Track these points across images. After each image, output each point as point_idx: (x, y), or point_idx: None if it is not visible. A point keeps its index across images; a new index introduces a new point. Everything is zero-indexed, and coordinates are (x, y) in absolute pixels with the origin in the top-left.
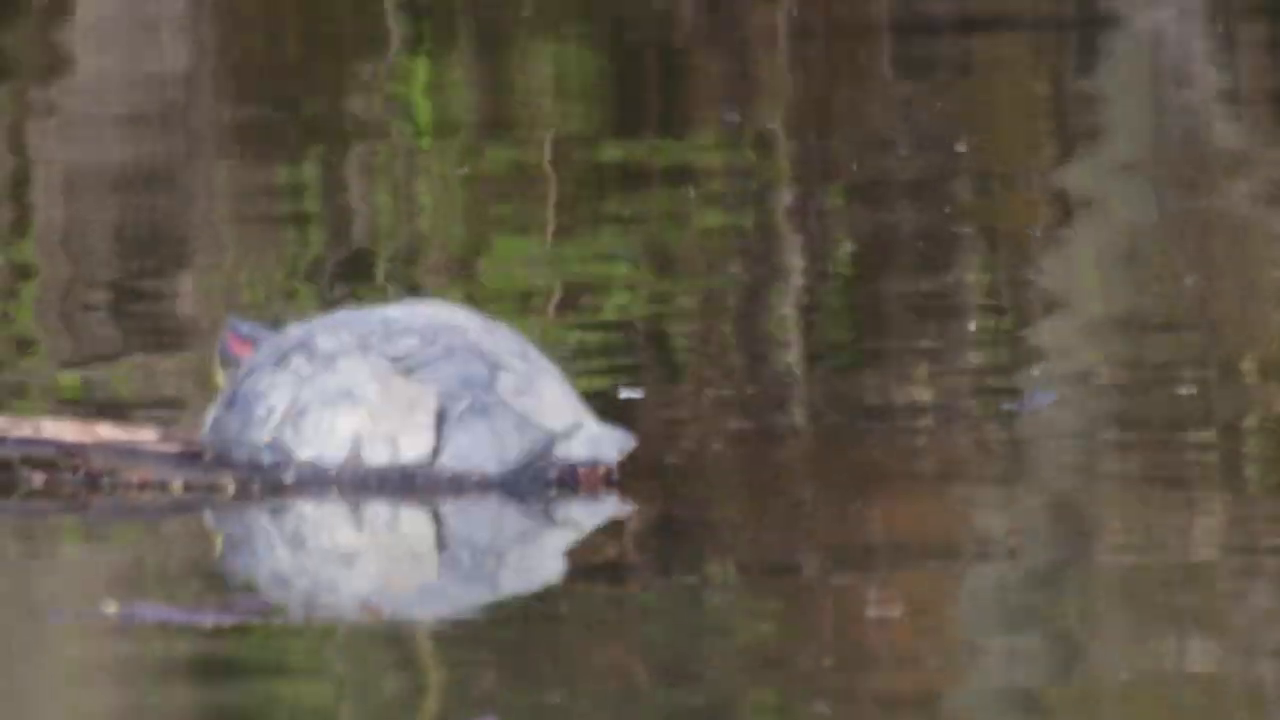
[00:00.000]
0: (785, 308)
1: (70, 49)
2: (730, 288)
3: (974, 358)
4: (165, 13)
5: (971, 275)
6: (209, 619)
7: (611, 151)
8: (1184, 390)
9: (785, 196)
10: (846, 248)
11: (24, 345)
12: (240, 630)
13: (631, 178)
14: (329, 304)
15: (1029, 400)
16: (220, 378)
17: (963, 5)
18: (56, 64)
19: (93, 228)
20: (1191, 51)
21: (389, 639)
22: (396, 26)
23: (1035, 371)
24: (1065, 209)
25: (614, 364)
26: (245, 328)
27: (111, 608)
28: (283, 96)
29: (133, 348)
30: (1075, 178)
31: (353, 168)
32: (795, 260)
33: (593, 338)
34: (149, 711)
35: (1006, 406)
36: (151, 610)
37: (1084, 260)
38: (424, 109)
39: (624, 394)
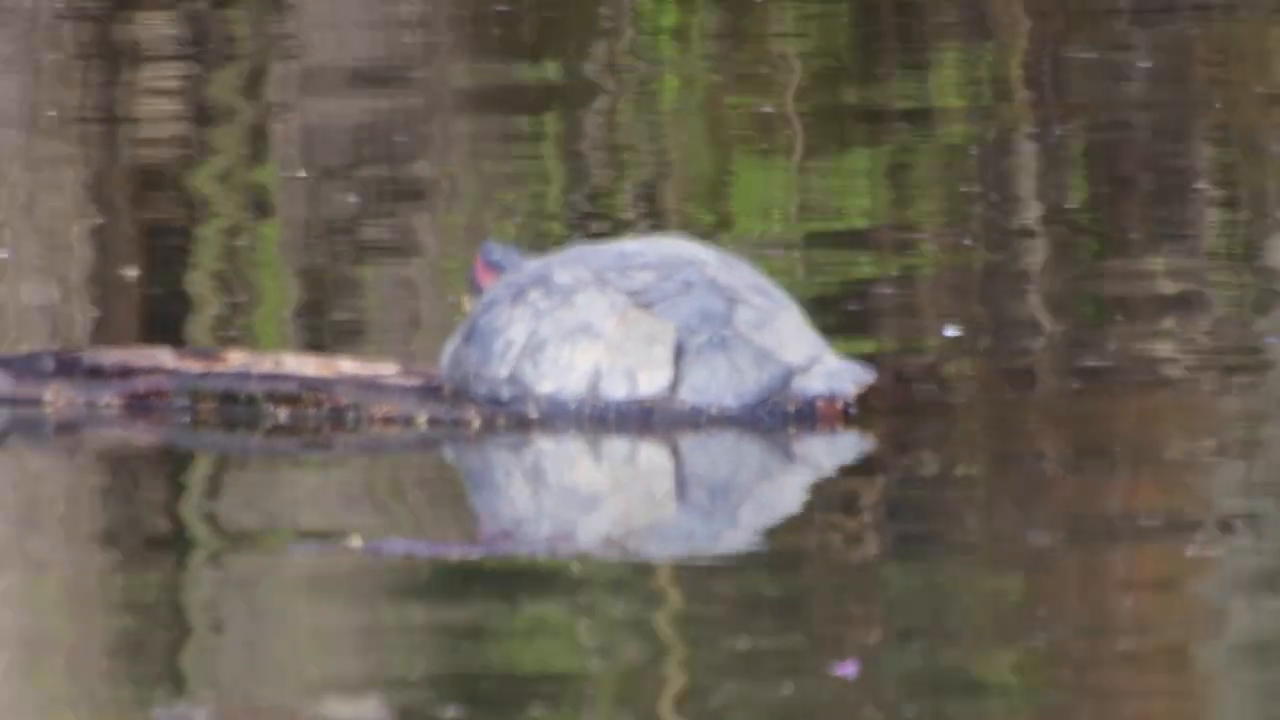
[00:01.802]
0: (1027, 248)
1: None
2: (972, 225)
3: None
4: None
5: (1213, 214)
6: (454, 552)
7: (853, 94)
8: None
9: (1023, 139)
10: (1086, 189)
11: (265, 288)
12: (485, 564)
13: (873, 117)
14: (578, 233)
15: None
16: (468, 304)
17: None
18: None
19: (334, 171)
20: None
21: (629, 578)
22: None
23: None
24: None
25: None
26: (496, 253)
27: (356, 542)
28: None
29: (379, 286)
30: None
31: (597, 112)
32: (1034, 203)
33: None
34: (389, 632)
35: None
36: (396, 544)
37: None
38: (668, 48)
39: (947, 331)
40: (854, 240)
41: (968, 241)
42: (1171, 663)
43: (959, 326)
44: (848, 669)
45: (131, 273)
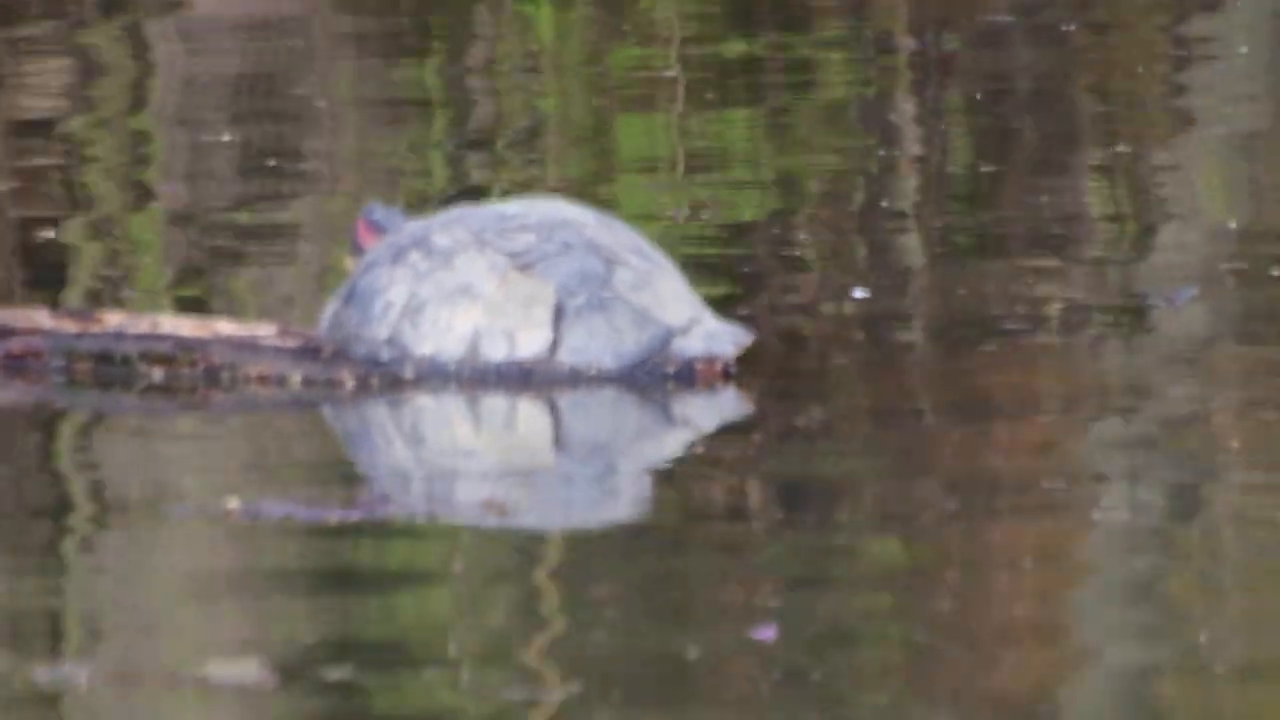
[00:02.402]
0: (904, 199)
1: None
2: (851, 177)
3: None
4: None
5: (1094, 181)
6: (333, 515)
7: (734, 48)
8: None
9: (904, 98)
10: (967, 143)
11: (146, 245)
12: (362, 527)
13: (752, 70)
14: (458, 182)
15: (1175, 296)
16: (349, 264)
17: None
18: None
19: (212, 125)
20: None
21: (509, 538)
22: None
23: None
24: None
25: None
26: (379, 214)
27: (234, 503)
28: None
29: (257, 242)
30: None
31: (476, 64)
32: (914, 151)
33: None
34: (270, 595)
35: (1155, 302)
36: (274, 506)
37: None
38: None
39: (856, 293)
40: (737, 187)
41: (848, 193)
42: (1044, 616)
43: (864, 288)
44: (765, 633)
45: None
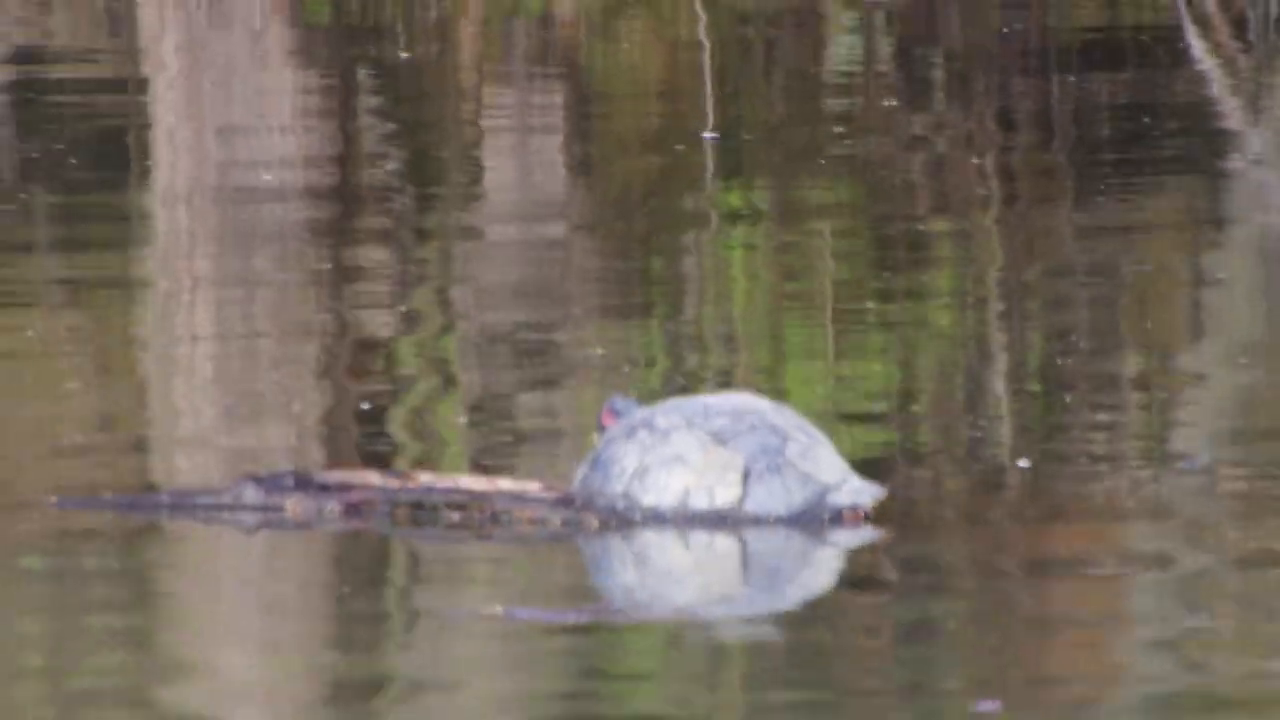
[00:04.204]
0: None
1: None
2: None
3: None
4: None
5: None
6: (570, 618)
7: None
8: None
9: None
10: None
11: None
12: (592, 626)
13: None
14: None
15: (1192, 462)
16: (595, 439)
17: None
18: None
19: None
20: None
21: (702, 636)
22: None
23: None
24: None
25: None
26: (619, 404)
27: (497, 609)
28: None
29: (530, 414)
30: None
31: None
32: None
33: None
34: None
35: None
36: (526, 611)
37: None
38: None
39: (1022, 464)
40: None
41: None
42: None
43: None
44: (988, 706)
45: None
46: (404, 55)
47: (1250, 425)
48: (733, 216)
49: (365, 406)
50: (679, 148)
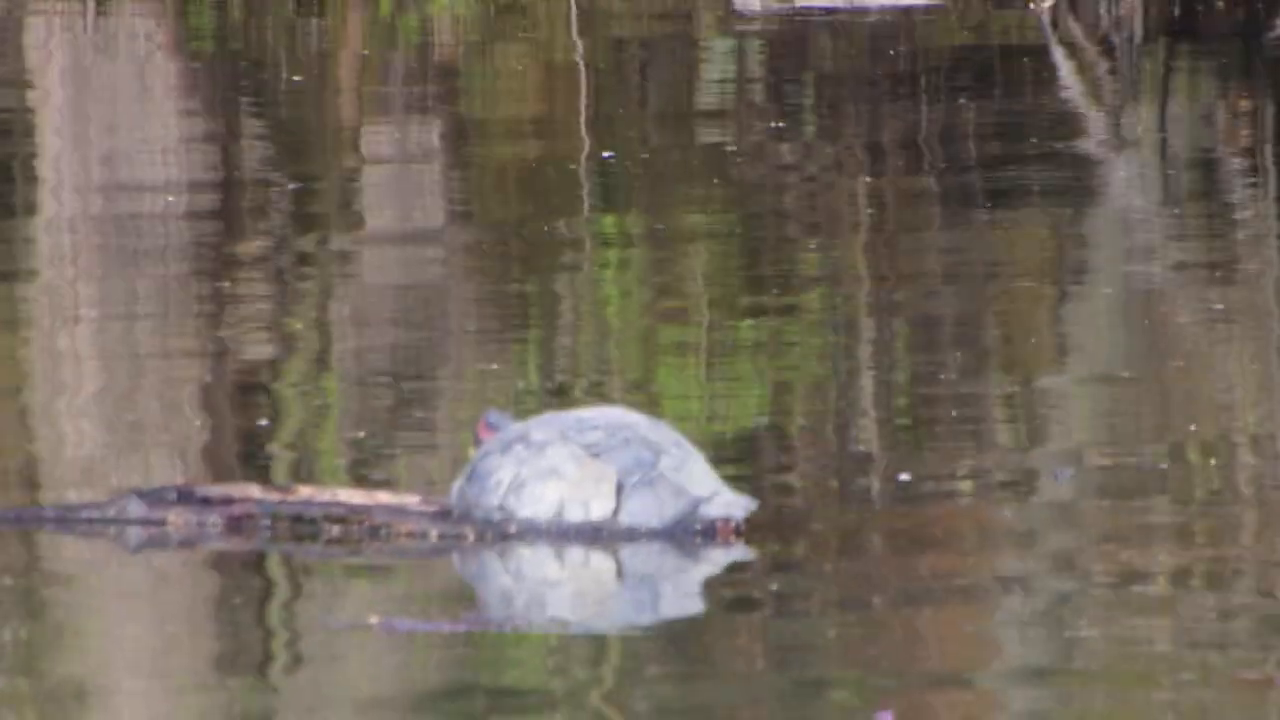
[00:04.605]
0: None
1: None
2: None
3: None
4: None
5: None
6: (445, 628)
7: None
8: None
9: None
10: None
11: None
12: (470, 636)
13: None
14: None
15: (1058, 474)
16: (471, 452)
17: None
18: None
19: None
20: None
21: (577, 643)
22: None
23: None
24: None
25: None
26: (494, 417)
27: (374, 619)
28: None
29: (407, 428)
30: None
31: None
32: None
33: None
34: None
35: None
36: (403, 622)
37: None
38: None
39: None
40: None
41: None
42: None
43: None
44: (885, 716)
45: None
46: (295, 79)
47: (1114, 438)
48: (608, 239)
49: (246, 424)
50: (557, 172)
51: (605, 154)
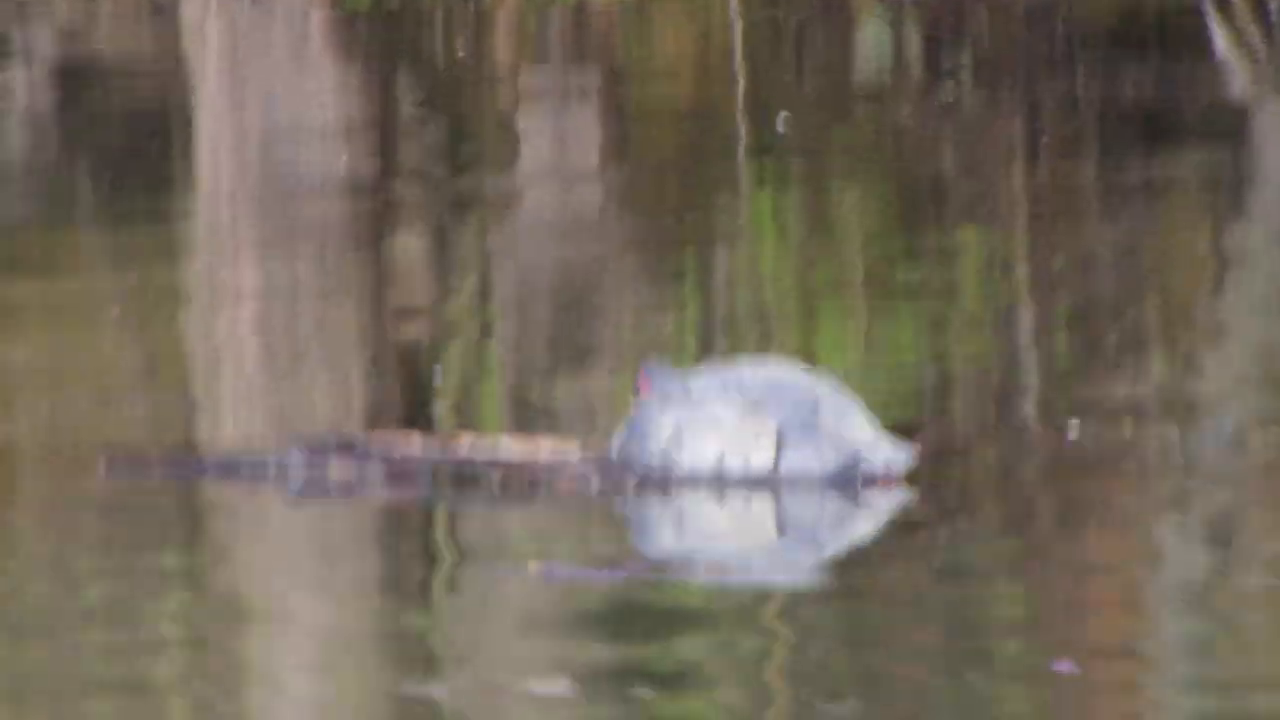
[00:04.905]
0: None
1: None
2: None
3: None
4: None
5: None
6: (606, 576)
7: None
8: None
9: None
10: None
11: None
12: (629, 584)
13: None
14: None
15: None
16: (632, 404)
17: None
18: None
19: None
20: None
21: (742, 594)
22: None
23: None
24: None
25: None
26: (654, 370)
27: (535, 567)
28: None
29: (572, 375)
30: None
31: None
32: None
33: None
34: (574, 632)
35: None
36: (564, 569)
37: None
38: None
39: (1072, 425)
40: None
41: None
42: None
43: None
44: (1064, 666)
45: None
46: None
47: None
48: (765, 185)
49: (408, 376)
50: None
51: (782, 116)
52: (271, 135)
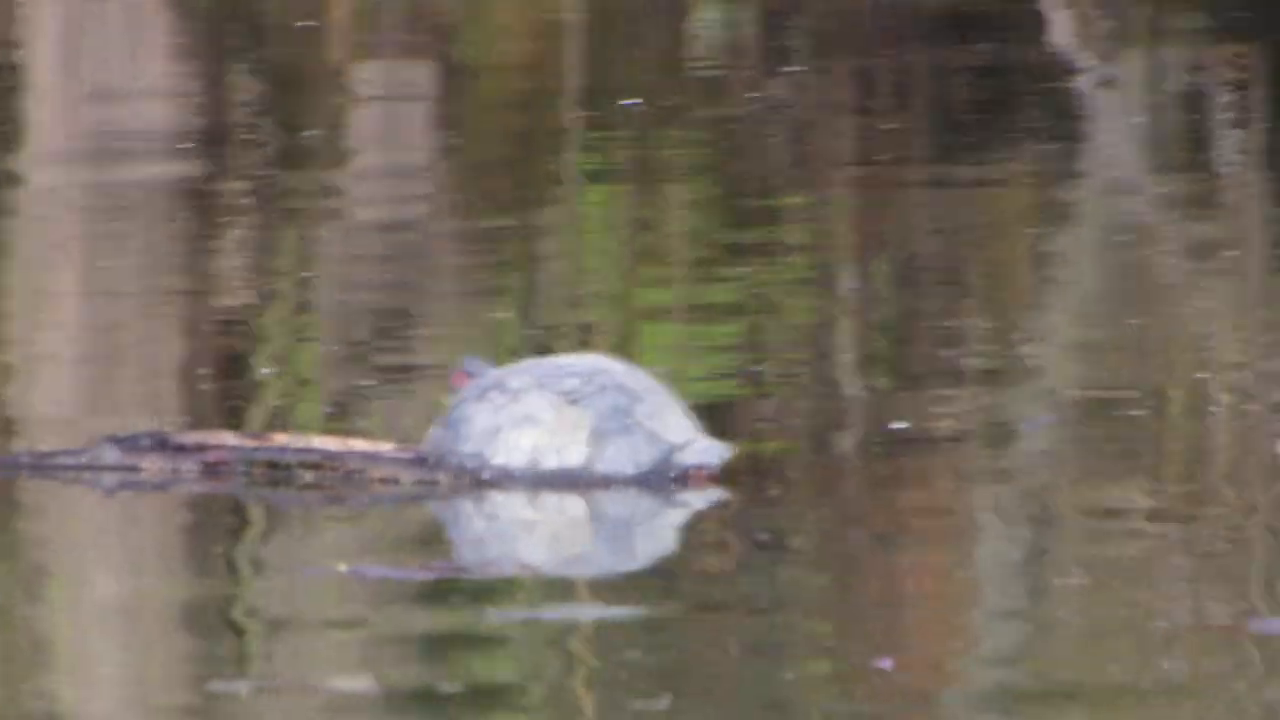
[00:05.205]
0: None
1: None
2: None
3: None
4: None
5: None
6: (416, 575)
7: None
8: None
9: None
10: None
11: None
12: (439, 584)
13: None
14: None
15: (1032, 423)
16: (447, 400)
17: None
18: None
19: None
20: None
21: (548, 590)
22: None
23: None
24: None
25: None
26: (472, 364)
27: (343, 566)
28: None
29: (388, 378)
30: None
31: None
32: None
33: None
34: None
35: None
36: (373, 569)
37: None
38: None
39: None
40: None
41: None
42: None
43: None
44: (885, 663)
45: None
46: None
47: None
48: (593, 178)
49: (224, 369)
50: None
51: (627, 101)
52: (102, 98)
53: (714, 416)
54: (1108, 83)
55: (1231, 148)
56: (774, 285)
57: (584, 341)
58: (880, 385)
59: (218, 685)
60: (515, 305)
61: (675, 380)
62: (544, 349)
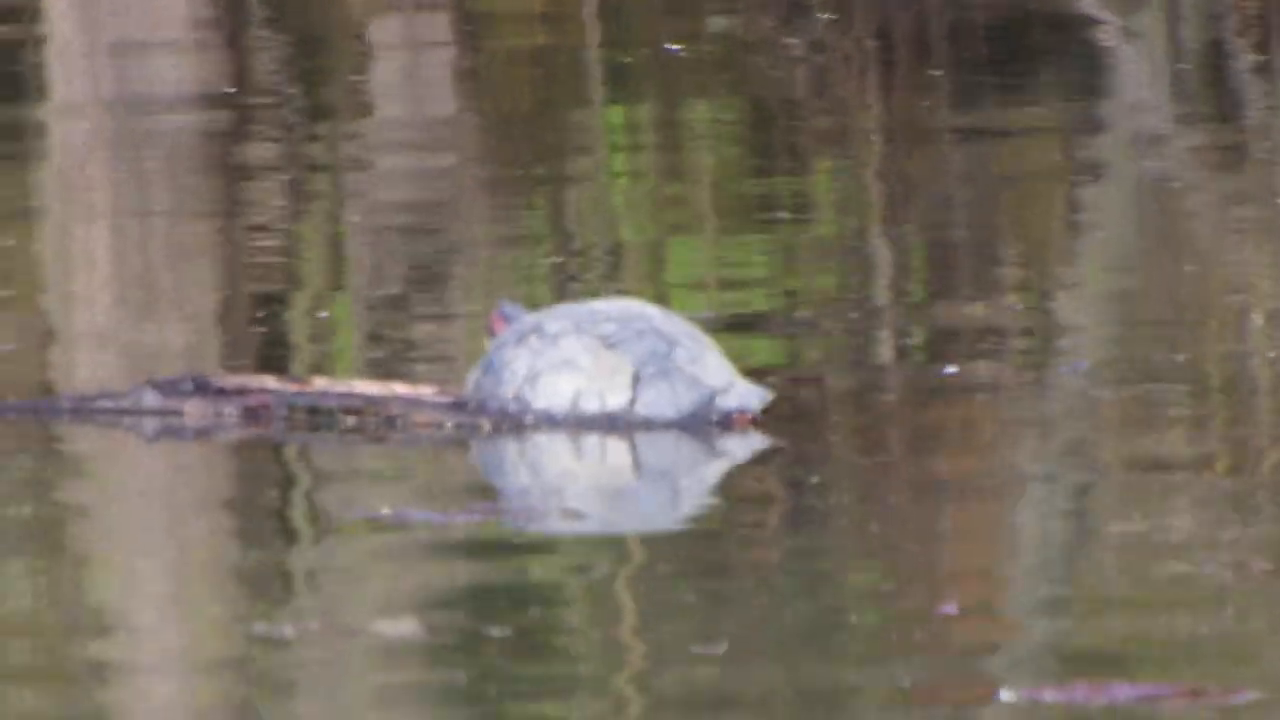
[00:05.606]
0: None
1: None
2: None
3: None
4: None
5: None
6: (458, 519)
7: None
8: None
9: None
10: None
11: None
12: (483, 529)
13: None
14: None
15: (1072, 367)
16: (486, 344)
17: None
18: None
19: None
20: None
21: (594, 536)
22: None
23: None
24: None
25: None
26: (508, 309)
27: (387, 510)
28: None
29: (425, 325)
30: None
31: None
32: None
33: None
34: (423, 574)
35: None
36: (417, 513)
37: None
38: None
39: (946, 370)
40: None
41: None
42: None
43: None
44: (949, 608)
45: None
46: None
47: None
48: (618, 131)
49: (264, 316)
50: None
51: (670, 46)
52: (122, 48)
53: (752, 360)
54: (1131, 34)
55: (1256, 97)
56: (805, 226)
57: (621, 287)
58: (918, 332)
59: (262, 629)
60: (552, 250)
61: (710, 325)
62: (581, 294)
